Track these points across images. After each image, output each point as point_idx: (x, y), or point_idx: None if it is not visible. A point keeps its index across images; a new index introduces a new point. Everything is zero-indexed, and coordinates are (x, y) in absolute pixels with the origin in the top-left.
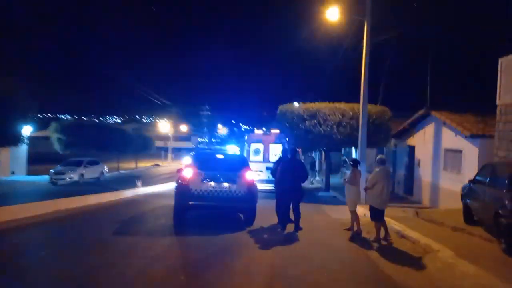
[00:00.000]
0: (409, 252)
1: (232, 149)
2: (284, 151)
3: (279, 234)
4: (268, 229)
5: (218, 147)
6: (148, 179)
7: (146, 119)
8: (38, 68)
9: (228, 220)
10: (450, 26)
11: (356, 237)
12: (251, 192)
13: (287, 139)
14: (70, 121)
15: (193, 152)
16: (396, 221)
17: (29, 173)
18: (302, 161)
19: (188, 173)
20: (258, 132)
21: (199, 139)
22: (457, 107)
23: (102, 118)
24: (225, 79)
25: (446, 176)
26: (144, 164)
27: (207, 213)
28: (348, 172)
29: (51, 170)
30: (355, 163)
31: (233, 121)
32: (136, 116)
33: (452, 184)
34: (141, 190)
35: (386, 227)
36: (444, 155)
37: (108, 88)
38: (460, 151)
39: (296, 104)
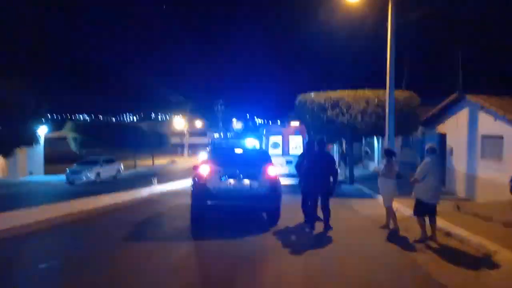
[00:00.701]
0: (461, 254)
1: (251, 142)
2: (309, 143)
3: (309, 235)
4: (295, 230)
5: (235, 141)
6: (164, 176)
7: (162, 116)
8: (52, 67)
9: (250, 221)
10: (482, 4)
11: (394, 236)
12: (275, 189)
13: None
14: (85, 120)
15: (209, 147)
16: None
17: (47, 173)
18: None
19: (205, 170)
20: (276, 124)
21: (215, 135)
22: (491, 90)
23: (118, 116)
24: (239, 73)
25: (484, 165)
26: (161, 161)
27: (226, 213)
28: (381, 165)
29: (67, 169)
30: (390, 153)
31: (247, 115)
32: (152, 113)
33: (492, 174)
34: (157, 188)
35: (435, 224)
36: (482, 142)
37: (123, 87)
38: (501, 137)
39: (316, 93)
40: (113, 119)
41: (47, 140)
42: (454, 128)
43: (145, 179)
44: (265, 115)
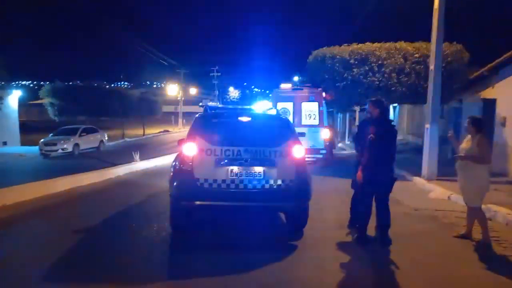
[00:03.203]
0: None
1: (264, 107)
2: (382, 106)
3: (359, 254)
4: (332, 241)
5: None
6: (153, 149)
7: (156, 83)
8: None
9: (261, 226)
10: None
11: (488, 254)
12: (303, 180)
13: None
14: (64, 83)
15: (200, 113)
16: (503, 207)
17: (23, 143)
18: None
19: (191, 150)
20: (286, 86)
21: (209, 102)
22: None
23: (108, 83)
24: (236, 35)
25: None
26: (152, 131)
27: (226, 216)
28: (463, 141)
29: (41, 140)
30: (479, 124)
31: (245, 83)
32: (147, 82)
33: None
34: (140, 165)
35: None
36: None
37: (115, 52)
38: None
39: (337, 47)
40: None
41: (24, 107)
42: (510, 92)
43: (132, 151)
44: (267, 83)
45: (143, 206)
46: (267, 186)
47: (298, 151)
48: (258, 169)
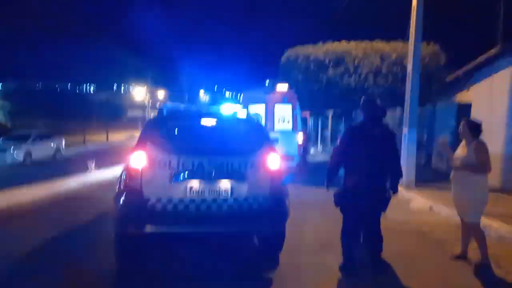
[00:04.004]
0: None
1: (231, 109)
2: (368, 107)
3: (346, 285)
4: (313, 268)
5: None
6: (117, 156)
7: (122, 87)
8: None
9: (228, 252)
10: None
11: (489, 279)
12: (279, 197)
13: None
14: (18, 85)
15: (154, 115)
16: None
17: None
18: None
19: (140, 161)
20: (258, 89)
21: (167, 104)
22: None
23: (73, 86)
24: (206, 36)
25: None
26: (117, 137)
27: (185, 244)
28: (458, 147)
29: None
30: (477, 128)
31: (215, 86)
32: (114, 84)
33: None
34: (95, 175)
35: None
36: None
37: (77, 52)
38: None
39: (312, 46)
40: (58, 85)
41: None
42: (486, 96)
43: (92, 159)
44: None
45: (86, 229)
46: (235, 206)
47: (274, 161)
48: (225, 185)
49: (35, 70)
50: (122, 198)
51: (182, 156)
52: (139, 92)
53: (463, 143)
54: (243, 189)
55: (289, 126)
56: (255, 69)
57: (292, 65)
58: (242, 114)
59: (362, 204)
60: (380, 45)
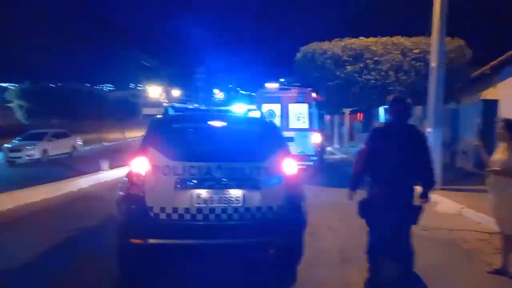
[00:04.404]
0: None
1: (242, 110)
2: (399, 109)
3: None
4: (335, 284)
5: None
6: (131, 154)
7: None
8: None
9: (240, 265)
10: None
11: None
12: (295, 205)
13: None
14: (35, 84)
15: (159, 116)
16: None
17: None
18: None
19: (142, 167)
20: (272, 86)
21: (174, 104)
22: None
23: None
24: (222, 35)
25: None
26: (133, 135)
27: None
28: (496, 151)
29: (4, 145)
30: None
31: (230, 85)
32: (130, 84)
33: None
34: (109, 174)
35: None
36: None
37: (94, 53)
38: None
39: (329, 42)
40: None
41: None
42: None
43: (105, 158)
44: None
45: (94, 233)
46: (247, 216)
47: (290, 166)
48: (236, 193)
49: (52, 71)
50: (123, 206)
51: (188, 162)
52: (154, 91)
53: (501, 146)
54: (256, 197)
55: (305, 125)
56: (270, 67)
57: (308, 63)
58: (255, 113)
59: (390, 216)
60: (401, 40)
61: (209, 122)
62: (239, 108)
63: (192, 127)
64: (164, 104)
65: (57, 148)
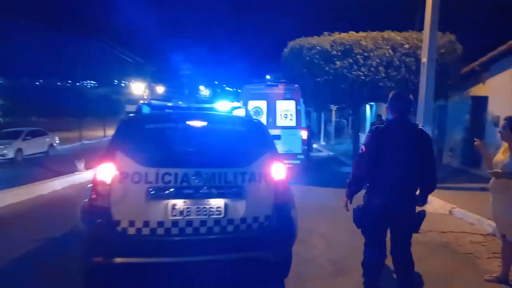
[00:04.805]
0: None
1: (226, 107)
2: (400, 107)
3: None
4: None
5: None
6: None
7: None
8: None
9: (221, 279)
10: None
11: None
12: (285, 215)
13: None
14: (10, 81)
15: (129, 113)
16: None
17: None
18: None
19: (108, 174)
20: (258, 83)
21: (152, 101)
22: None
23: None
24: (206, 31)
25: None
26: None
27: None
28: (499, 151)
29: None
30: None
31: (216, 82)
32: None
33: None
34: (84, 175)
35: None
36: None
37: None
38: None
39: (317, 37)
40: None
41: None
42: (503, 89)
43: (86, 156)
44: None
45: (59, 245)
46: (230, 228)
47: (278, 171)
48: (217, 203)
49: (31, 68)
50: (86, 219)
51: (162, 168)
52: (138, 88)
53: (504, 146)
54: (240, 207)
55: (292, 123)
56: (256, 64)
57: (296, 58)
58: (240, 112)
59: (392, 227)
60: (391, 35)
61: (187, 122)
62: (223, 106)
63: (168, 128)
64: (140, 102)
65: (33, 147)
